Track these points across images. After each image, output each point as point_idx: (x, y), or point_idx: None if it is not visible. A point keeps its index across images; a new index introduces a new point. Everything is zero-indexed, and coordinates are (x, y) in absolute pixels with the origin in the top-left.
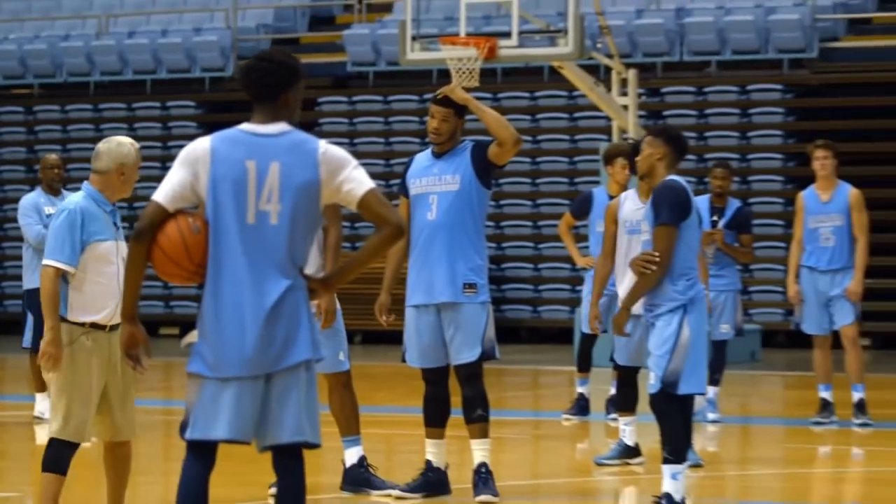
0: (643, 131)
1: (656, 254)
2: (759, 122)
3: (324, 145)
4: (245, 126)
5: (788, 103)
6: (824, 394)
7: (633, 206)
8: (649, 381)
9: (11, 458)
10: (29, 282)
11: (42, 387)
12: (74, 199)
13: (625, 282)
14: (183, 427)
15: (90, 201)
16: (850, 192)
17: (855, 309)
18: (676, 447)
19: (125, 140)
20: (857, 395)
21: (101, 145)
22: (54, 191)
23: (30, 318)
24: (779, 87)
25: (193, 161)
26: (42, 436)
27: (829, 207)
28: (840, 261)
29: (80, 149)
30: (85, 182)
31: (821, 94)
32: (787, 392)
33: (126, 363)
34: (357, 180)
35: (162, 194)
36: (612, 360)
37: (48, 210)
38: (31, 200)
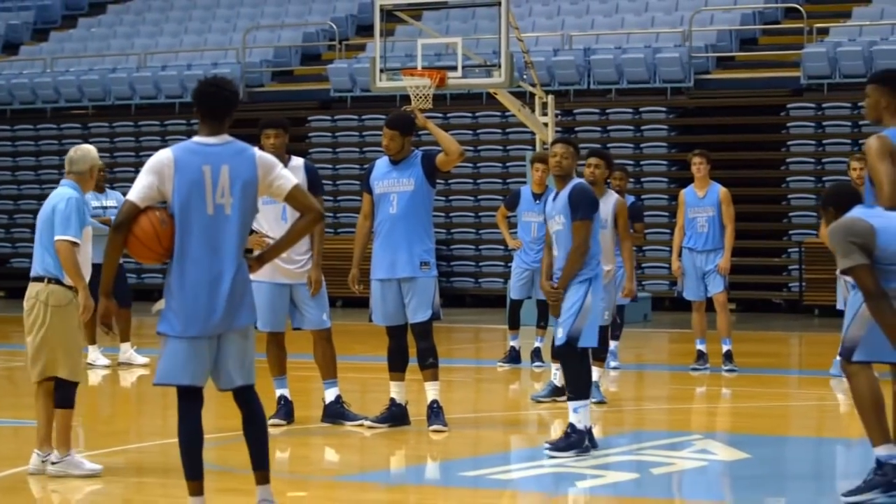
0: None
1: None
2: (649, 136)
3: (258, 152)
4: (197, 139)
5: (671, 122)
6: (700, 346)
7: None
8: (556, 335)
9: None
10: None
11: (93, 340)
12: (68, 192)
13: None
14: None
15: (77, 192)
16: (720, 190)
17: (724, 280)
18: (576, 387)
19: (91, 147)
20: (725, 347)
21: (74, 153)
22: (98, 189)
23: None
24: (663, 109)
25: (160, 169)
26: (92, 377)
27: (704, 202)
28: (712, 243)
29: (125, 156)
30: (65, 180)
31: (696, 115)
32: (672, 345)
33: (101, 329)
34: (285, 177)
35: (135, 195)
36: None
37: (94, 204)
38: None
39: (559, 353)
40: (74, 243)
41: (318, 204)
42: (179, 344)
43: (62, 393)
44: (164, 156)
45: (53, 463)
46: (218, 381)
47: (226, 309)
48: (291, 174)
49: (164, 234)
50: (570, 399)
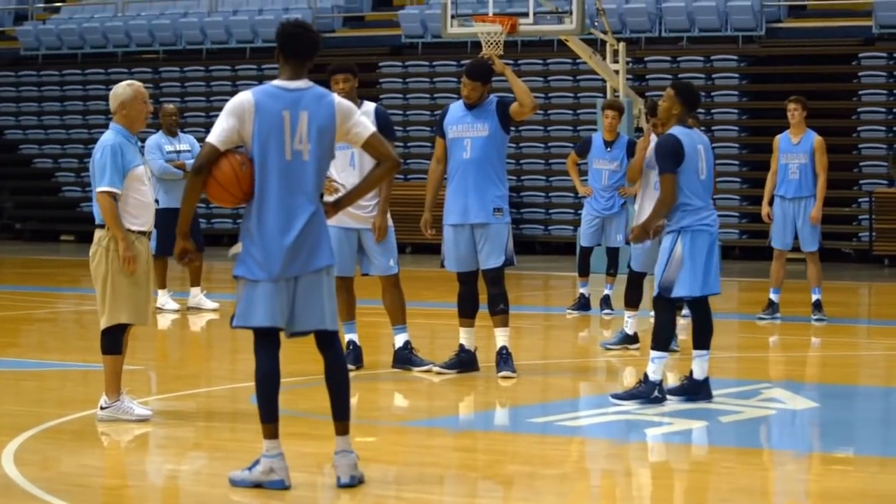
0: (630, 91)
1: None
2: (720, 84)
3: (337, 98)
4: (277, 83)
5: (742, 70)
6: (773, 296)
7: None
8: (654, 286)
9: (134, 339)
10: None
11: (163, 284)
12: (106, 137)
13: (644, 207)
14: (231, 318)
15: (119, 136)
16: (815, 138)
17: (818, 239)
18: (660, 339)
19: (123, 83)
20: (815, 297)
21: (111, 95)
22: (172, 133)
23: (154, 232)
24: (735, 57)
25: (241, 112)
26: (162, 322)
27: (797, 148)
28: (804, 190)
29: (195, 101)
30: (111, 122)
31: (767, 63)
32: (740, 294)
33: (180, 264)
34: (363, 125)
35: (215, 138)
36: (629, 266)
37: (168, 148)
38: (154, 141)
39: (654, 304)
40: (112, 193)
41: (395, 153)
42: (258, 287)
43: (110, 339)
44: (244, 98)
45: (103, 408)
46: (293, 324)
47: (303, 251)
48: (368, 121)
49: (244, 177)
50: (652, 349)
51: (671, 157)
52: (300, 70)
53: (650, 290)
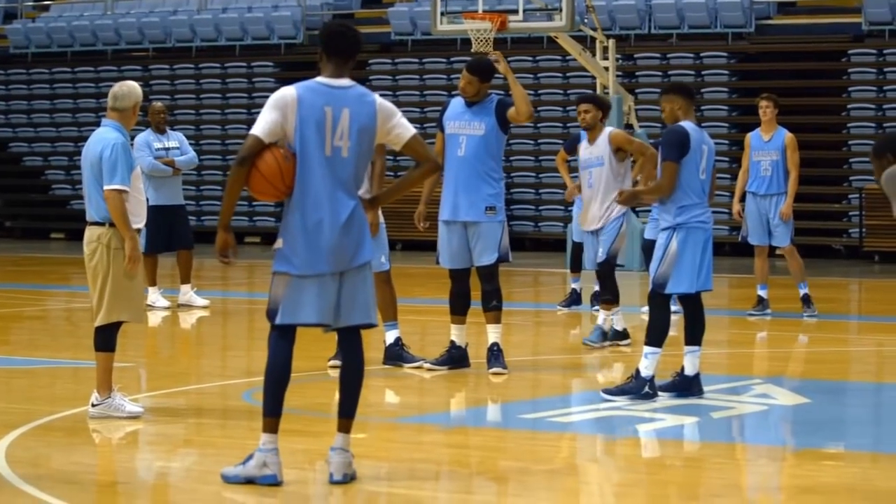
0: (620, 87)
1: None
2: (710, 81)
3: (379, 98)
4: (321, 79)
5: (731, 67)
6: (761, 292)
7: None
8: (650, 283)
9: (125, 336)
10: None
11: (153, 281)
12: (111, 135)
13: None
14: (271, 315)
15: (121, 134)
16: (786, 135)
17: (790, 234)
18: (654, 334)
19: (135, 84)
20: (802, 292)
21: (119, 89)
22: (160, 130)
23: (144, 229)
24: (724, 54)
25: (283, 105)
26: (152, 319)
27: (768, 145)
28: (776, 187)
29: (185, 98)
30: (106, 120)
31: (756, 60)
32: (731, 290)
33: (219, 260)
34: (404, 126)
35: (259, 130)
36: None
37: (157, 145)
38: (143, 138)
39: (648, 299)
40: (123, 191)
41: (434, 155)
42: (303, 282)
43: (104, 336)
44: (287, 93)
45: (94, 405)
46: (338, 320)
47: (348, 247)
48: (408, 123)
49: (287, 170)
50: (645, 344)
51: (677, 146)
52: (343, 68)
53: (626, 286)
